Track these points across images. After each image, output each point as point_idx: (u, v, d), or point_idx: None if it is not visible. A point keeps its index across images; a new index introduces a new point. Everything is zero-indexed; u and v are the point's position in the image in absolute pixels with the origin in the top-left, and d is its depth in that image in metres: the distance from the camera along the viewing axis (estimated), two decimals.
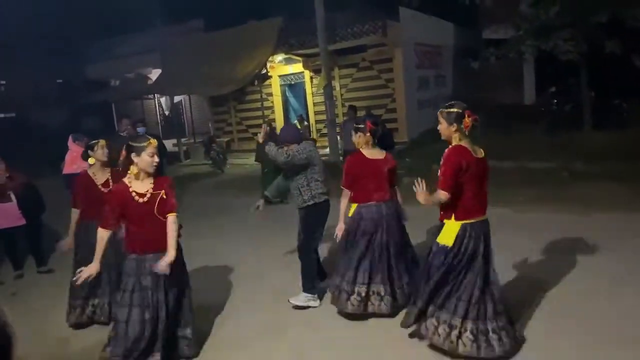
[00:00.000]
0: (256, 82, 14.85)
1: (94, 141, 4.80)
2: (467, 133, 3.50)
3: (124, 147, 3.59)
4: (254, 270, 5.84)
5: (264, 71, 14.79)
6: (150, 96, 19.71)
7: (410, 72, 14.28)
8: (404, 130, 13.92)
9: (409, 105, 13.99)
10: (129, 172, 3.57)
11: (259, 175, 10.02)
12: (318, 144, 10.78)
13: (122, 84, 19.35)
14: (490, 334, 3.40)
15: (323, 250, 5.60)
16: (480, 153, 3.56)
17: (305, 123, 15.16)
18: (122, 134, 8.45)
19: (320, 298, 4.72)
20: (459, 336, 3.41)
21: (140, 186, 3.57)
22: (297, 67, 15.46)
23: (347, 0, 13.61)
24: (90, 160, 4.74)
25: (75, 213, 4.75)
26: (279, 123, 15.72)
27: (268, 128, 5.12)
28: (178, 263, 3.67)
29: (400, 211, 4.52)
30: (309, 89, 15.56)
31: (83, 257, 4.56)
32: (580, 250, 5.51)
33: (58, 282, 6.23)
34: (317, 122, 15.64)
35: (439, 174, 3.51)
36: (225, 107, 17.57)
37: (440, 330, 3.48)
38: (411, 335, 3.82)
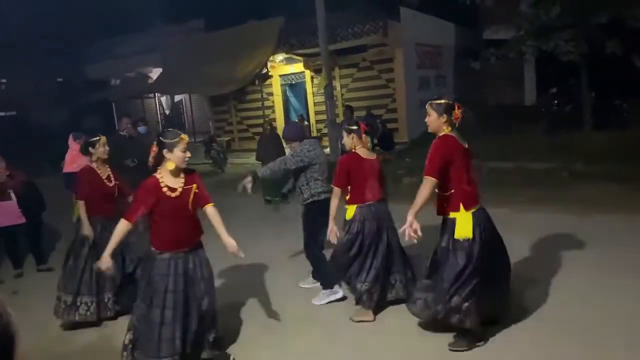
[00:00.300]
0: (257, 82, 14.86)
1: (94, 138, 4.81)
2: (456, 125, 3.57)
3: (155, 143, 3.57)
4: (261, 268, 5.84)
5: (264, 71, 14.80)
6: (151, 95, 19.71)
7: (411, 72, 14.28)
8: (404, 130, 13.92)
9: (409, 105, 13.99)
10: (160, 167, 3.55)
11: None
12: None
13: (123, 83, 19.36)
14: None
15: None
16: (466, 144, 3.65)
17: (306, 123, 15.16)
18: (122, 132, 8.45)
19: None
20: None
21: (172, 181, 3.54)
22: (298, 67, 15.46)
23: (347, 0, 13.62)
24: (93, 157, 4.80)
25: (82, 205, 4.73)
26: (280, 123, 15.73)
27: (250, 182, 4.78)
28: (206, 262, 3.69)
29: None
30: (309, 89, 15.56)
31: (78, 251, 4.70)
32: (580, 251, 5.51)
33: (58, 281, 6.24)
34: (317, 122, 15.64)
35: (426, 161, 3.54)
36: (225, 106, 17.58)
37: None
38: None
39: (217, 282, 5.43)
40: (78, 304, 4.61)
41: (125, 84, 19.17)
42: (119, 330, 4.66)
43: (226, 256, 6.38)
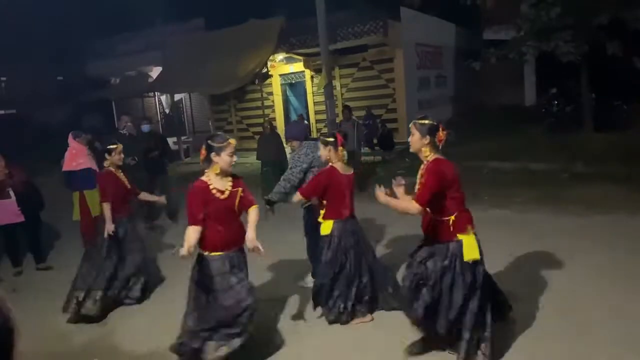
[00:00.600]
0: (257, 81, 14.84)
1: (112, 146, 5.15)
2: (439, 147, 3.43)
3: (203, 146, 3.64)
4: (262, 267, 5.82)
5: (264, 70, 14.78)
6: (151, 94, 19.69)
7: (411, 72, 14.27)
8: (404, 130, 13.90)
9: (409, 105, 13.98)
10: (207, 170, 3.62)
11: (258, 173, 10.03)
12: None
13: (123, 81, 19.32)
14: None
15: None
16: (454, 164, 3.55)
17: (306, 122, 15.15)
18: (121, 131, 8.44)
19: None
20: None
21: (219, 184, 3.61)
22: (298, 67, 15.45)
23: (348, 0, 13.60)
24: (107, 163, 5.18)
25: (107, 206, 4.98)
26: (280, 122, 15.74)
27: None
28: (246, 263, 3.79)
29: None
30: (309, 89, 15.55)
31: (99, 249, 5.09)
32: (579, 251, 5.51)
33: (57, 279, 6.24)
34: (317, 121, 15.63)
35: (418, 185, 3.43)
36: (225, 105, 17.56)
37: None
38: None
39: None
40: (88, 298, 4.84)
41: (125, 82, 19.13)
42: (119, 329, 4.66)
43: None
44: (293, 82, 16.45)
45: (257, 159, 10.03)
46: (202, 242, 3.58)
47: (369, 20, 13.17)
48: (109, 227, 4.97)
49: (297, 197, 4.32)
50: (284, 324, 4.42)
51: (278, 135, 10.43)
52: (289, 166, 4.75)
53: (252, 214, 3.77)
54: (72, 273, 6.35)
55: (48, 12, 17.83)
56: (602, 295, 4.43)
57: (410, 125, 3.49)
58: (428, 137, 3.39)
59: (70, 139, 7.31)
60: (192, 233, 3.50)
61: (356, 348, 3.93)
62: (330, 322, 4.27)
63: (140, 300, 5.22)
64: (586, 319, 4.02)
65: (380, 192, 3.48)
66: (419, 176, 3.48)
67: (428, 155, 3.43)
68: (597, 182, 8.30)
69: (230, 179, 3.68)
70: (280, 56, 15.14)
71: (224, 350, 3.54)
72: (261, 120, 13.21)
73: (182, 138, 18.01)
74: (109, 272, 4.97)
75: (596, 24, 10.38)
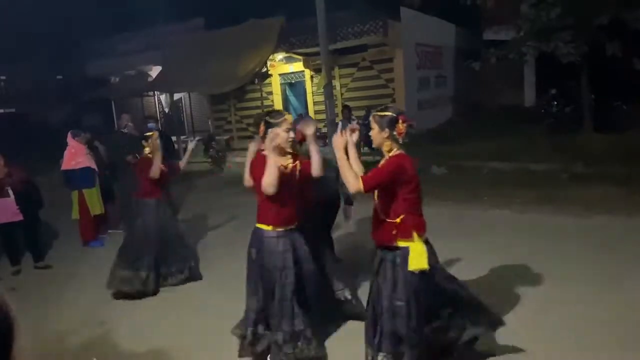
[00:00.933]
0: (256, 81, 14.83)
1: (148, 133, 5.64)
2: (400, 141, 3.17)
3: (262, 122, 3.64)
4: None
5: (264, 70, 14.78)
6: (150, 93, 19.67)
7: (411, 72, 14.27)
8: None
9: (409, 105, 13.97)
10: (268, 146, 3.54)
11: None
12: None
13: (122, 81, 19.31)
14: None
15: None
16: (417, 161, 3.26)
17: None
18: (123, 129, 8.40)
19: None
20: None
21: (280, 160, 3.55)
22: (298, 66, 15.44)
23: None
24: (145, 150, 5.55)
25: (156, 169, 5.37)
26: None
27: None
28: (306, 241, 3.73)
29: None
30: (309, 88, 15.54)
31: (133, 230, 5.55)
32: (578, 252, 5.51)
33: (56, 278, 6.24)
34: (317, 121, 15.61)
35: (373, 170, 3.15)
36: (225, 105, 17.56)
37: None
38: None
39: (219, 282, 5.43)
40: (132, 277, 5.27)
41: (125, 81, 19.12)
42: (118, 329, 4.65)
43: (230, 253, 6.36)
44: (293, 81, 16.44)
45: None
46: (261, 216, 3.62)
47: (368, 20, 13.16)
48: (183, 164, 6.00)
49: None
50: None
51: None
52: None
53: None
54: (71, 272, 6.39)
55: (48, 11, 17.81)
56: (602, 295, 4.43)
57: (370, 118, 3.32)
58: (387, 130, 3.15)
59: (69, 138, 7.31)
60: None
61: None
62: None
63: (184, 281, 5.53)
64: (586, 319, 4.02)
65: (341, 138, 3.15)
66: None
67: (390, 150, 3.18)
68: (596, 183, 8.30)
69: (289, 156, 3.64)
70: (280, 56, 15.13)
71: None
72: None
73: (182, 137, 18.01)
74: (148, 253, 5.34)
75: (596, 24, 10.37)
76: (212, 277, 5.66)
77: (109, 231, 8.00)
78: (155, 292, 5.33)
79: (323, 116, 13.86)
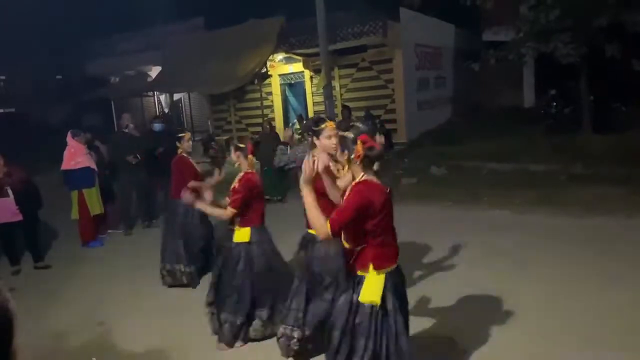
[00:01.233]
0: (256, 81, 14.83)
1: (181, 134, 5.94)
2: (356, 163, 2.77)
3: (309, 133, 3.61)
4: None
5: (264, 70, 14.77)
6: (150, 94, 19.68)
7: (410, 73, 14.27)
8: (403, 131, 13.91)
9: (408, 106, 13.98)
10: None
11: (258, 173, 10.00)
12: None
13: (122, 81, 19.31)
14: None
15: None
16: (388, 184, 2.88)
17: (305, 122, 15.15)
18: (124, 129, 8.38)
19: None
20: None
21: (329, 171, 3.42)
22: (297, 67, 15.44)
23: (347, 0, 13.60)
24: (179, 150, 5.79)
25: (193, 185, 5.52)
26: (279, 122, 15.73)
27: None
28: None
29: None
30: (308, 89, 15.54)
31: (169, 229, 5.77)
32: (577, 252, 5.52)
33: (55, 278, 6.24)
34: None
35: (339, 208, 2.77)
36: (224, 105, 17.56)
37: None
38: None
39: None
40: (174, 271, 5.57)
41: (125, 81, 19.11)
42: (117, 328, 4.66)
43: None
44: (292, 82, 16.44)
45: (256, 159, 9.98)
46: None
47: (368, 20, 13.17)
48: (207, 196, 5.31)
49: (228, 213, 4.07)
50: None
51: (277, 135, 10.43)
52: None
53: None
54: (71, 272, 6.39)
55: (48, 11, 17.81)
56: (601, 295, 4.44)
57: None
58: (346, 152, 2.83)
59: (69, 138, 7.30)
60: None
61: None
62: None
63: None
64: (586, 319, 4.03)
65: (310, 170, 2.78)
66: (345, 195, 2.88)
67: (357, 175, 2.81)
68: (595, 184, 8.31)
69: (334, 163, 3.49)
70: (279, 56, 15.13)
71: None
72: (260, 120, 13.23)
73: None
74: (183, 248, 5.59)
75: (595, 26, 10.38)
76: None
77: (109, 231, 8.00)
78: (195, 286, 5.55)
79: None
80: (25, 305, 5.26)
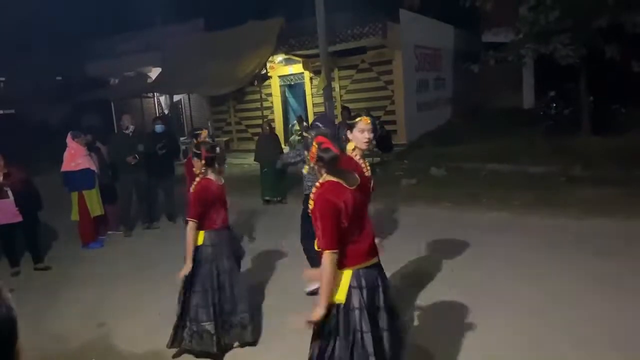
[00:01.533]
0: (256, 83, 14.84)
1: (197, 131, 6.25)
2: (311, 165, 2.76)
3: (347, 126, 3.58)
4: (261, 266, 5.84)
5: (263, 71, 14.79)
6: (150, 95, 19.68)
7: (410, 74, 14.29)
8: (402, 132, 13.94)
9: (408, 107, 14.00)
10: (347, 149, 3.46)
11: (257, 175, 10.02)
12: None
13: (122, 82, 19.32)
14: None
15: None
16: (355, 180, 2.72)
17: (305, 124, 15.15)
18: (125, 130, 8.37)
19: None
20: None
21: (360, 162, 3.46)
22: (297, 68, 15.46)
23: (347, 1, 13.63)
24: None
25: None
26: (279, 124, 15.74)
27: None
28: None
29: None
30: (308, 90, 15.56)
31: None
32: (576, 254, 5.52)
33: (55, 279, 6.24)
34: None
35: (315, 227, 2.66)
36: (224, 106, 17.58)
37: None
38: None
39: None
40: None
41: (124, 83, 19.13)
42: (116, 330, 4.66)
43: None
44: (292, 83, 16.46)
45: (255, 160, 9.99)
46: None
47: (368, 22, 13.19)
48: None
49: (192, 225, 3.96)
50: (285, 323, 4.40)
51: (277, 136, 10.44)
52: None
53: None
54: (71, 273, 6.39)
55: (48, 11, 17.82)
56: (600, 297, 4.44)
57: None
58: (305, 152, 2.86)
59: (69, 139, 7.31)
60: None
61: None
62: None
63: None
64: (584, 320, 4.03)
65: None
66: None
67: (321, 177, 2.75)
68: (594, 185, 8.32)
69: (364, 160, 3.48)
70: (279, 57, 15.15)
71: None
72: (260, 122, 13.22)
73: (181, 139, 18.01)
74: None
75: (595, 27, 10.40)
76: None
77: (109, 232, 8.01)
78: None
79: None
80: (25, 306, 5.26)
